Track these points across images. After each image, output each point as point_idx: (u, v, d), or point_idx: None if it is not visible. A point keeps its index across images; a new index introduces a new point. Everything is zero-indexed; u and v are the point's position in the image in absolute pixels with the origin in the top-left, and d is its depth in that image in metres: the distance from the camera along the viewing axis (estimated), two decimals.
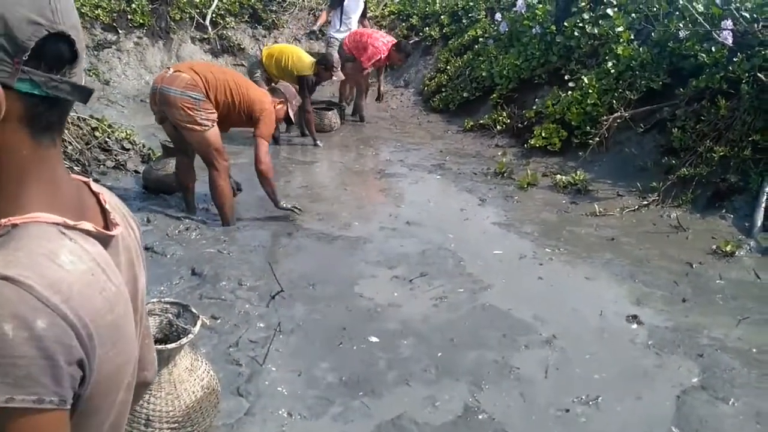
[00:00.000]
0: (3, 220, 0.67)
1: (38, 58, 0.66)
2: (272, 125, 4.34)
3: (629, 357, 2.92)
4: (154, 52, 8.26)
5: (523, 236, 4.31)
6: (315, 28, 8.22)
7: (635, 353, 2.95)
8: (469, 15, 9.44)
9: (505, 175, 5.55)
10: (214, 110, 4.05)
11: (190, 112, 3.91)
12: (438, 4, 10.44)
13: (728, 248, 3.95)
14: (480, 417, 2.49)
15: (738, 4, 5.28)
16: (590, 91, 5.86)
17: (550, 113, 6.19)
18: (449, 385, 2.68)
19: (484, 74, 7.56)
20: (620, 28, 6.11)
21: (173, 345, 2.03)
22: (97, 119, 5.34)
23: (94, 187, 0.83)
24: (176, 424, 2.08)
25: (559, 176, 5.32)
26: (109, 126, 5.36)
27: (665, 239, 4.24)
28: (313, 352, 2.87)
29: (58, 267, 0.65)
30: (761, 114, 4.70)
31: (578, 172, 5.27)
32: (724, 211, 4.53)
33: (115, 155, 5.11)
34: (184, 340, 2.06)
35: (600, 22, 6.45)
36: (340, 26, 7.63)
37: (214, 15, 8.98)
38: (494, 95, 7.27)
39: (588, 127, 5.74)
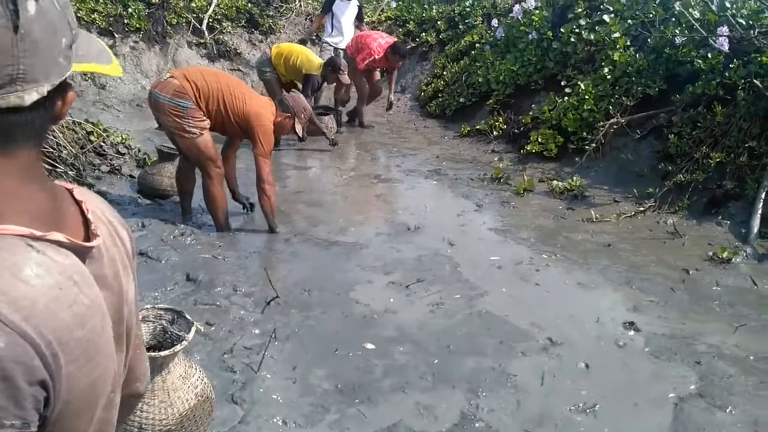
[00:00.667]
0: None
1: None
2: (270, 142, 4.12)
3: (626, 364, 2.90)
4: (151, 57, 8.25)
5: (520, 242, 4.30)
6: (310, 33, 8.15)
7: (632, 360, 2.93)
8: (466, 21, 9.46)
9: (501, 180, 5.55)
10: (205, 118, 3.97)
11: (177, 120, 3.88)
12: (435, 10, 10.47)
13: (725, 255, 3.95)
14: (477, 425, 2.46)
15: (734, 11, 5.30)
16: (587, 97, 5.87)
17: (547, 119, 6.20)
18: (446, 392, 2.66)
19: (480, 80, 7.56)
20: (617, 34, 6.12)
21: (167, 352, 2.01)
22: (93, 123, 5.32)
23: (78, 194, 0.80)
24: None
25: (555, 182, 5.32)
26: (105, 130, 5.34)
27: (662, 245, 4.23)
28: (308, 359, 2.85)
29: (21, 282, 0.62)
30: (757, 120, 4.71)
31: (575, 178, 5.27)
32: (720, 217, 4.53)
33: (110, 160, 5.09)
34: (177, 348, 2.04)
35: (596, 28, 6.47)
36: (332, 31, 7.62)
37: (210, 20, 8.98)
38: (491, 101, 7.28)
39: (584, 133, 5.74)
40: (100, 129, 5.26)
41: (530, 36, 7.17)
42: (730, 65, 4.93)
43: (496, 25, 8.01)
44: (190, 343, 2.13)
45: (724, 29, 5.05)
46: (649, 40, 5.79)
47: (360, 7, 7.81)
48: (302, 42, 7.79)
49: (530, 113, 6.60)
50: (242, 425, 2.40)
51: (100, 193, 4.60)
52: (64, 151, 4.54)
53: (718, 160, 4.69)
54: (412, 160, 6.36)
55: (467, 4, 9.96)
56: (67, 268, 0.68)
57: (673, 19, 5.75)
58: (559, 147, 5.97)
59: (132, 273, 0.88)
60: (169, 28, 8.54)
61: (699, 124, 4.98)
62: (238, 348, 2.89)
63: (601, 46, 6.31)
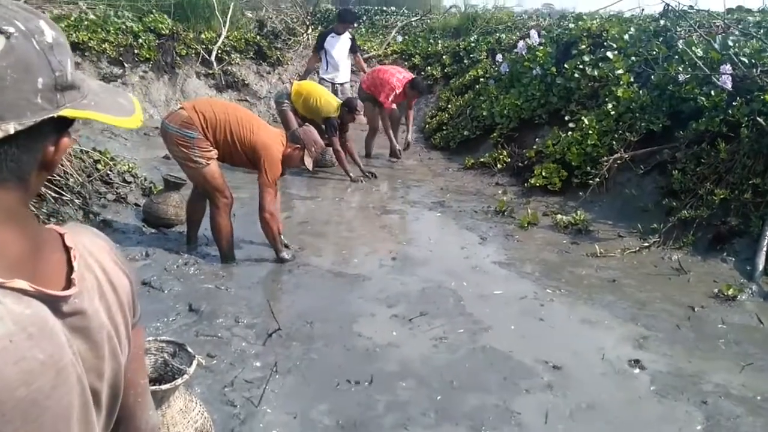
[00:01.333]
0: None
1: None
2: (276, 172, 4.11)
3: (632, 403, 2.87)
4: (159, 87, 8.36)
5: (524, 276, 4.29)
6: (305, 73, 8.05)
7: (638, 399, 2.89)
8: (471, 55, 9.60)
9: (505, 213, 5.55)
10: (212, 148, 4.03)
11: (185, 150, 3.95)
12: (440, 45, 10.63)
13: (730, 292, 3.92)
14: None
15: (736, 50, 5.36)
16: (590, 132, 5.91)
17: (551, 153, 6.23)
18: (448, 429, 2.62)
19: (484, 113, 7.63)
20: (620, 71, 6.19)
21: (167, 386, 1.99)
22: (100, 152, 5.37)
23: (69, 240, 0.77)
24: None
25: (559, 216, 5.32)
26: (112, 159, 5.38)
27: (667, 281, 4.21)
28: (309, 394, 2.82)
29: None
30: (761, 158, 4.72)
31: (579, 212, 5.27)
32: (725, 254, 4.51)
33: (117, 188, 5.12)
34: (178, 381, 2.02)
35: (600, 64, 6.54)
36: (327, 68, 7.62)
37: (219, 51, 9.12)
38: (495, 134, 7.34)
39: (588, 168, 5.76)
40: (107, 158, 5.30)
41: (534, 71, 7.26)
42: (733, 103, 4.96)
43: (500, 60, 8.12)
44: (191, 377, 2.12)
45: (727, 67, 5.11)
46: (652, 77, 5.86)
47: (353, 39, 7.83)
48: (301, 80, 7.84)
49: (534, 147, 6.63)
50: None
51: (105, 221, 4.62)
52: (71, 179, 4.57)
53: (722, 196, 4.69)
54: (417, 192, 6.38)
55: (472, 39, 10.14)
56: (24, 319, 0.64)
57: (676, 57, 5.81)
58: (563, 181, 5.99)
59: (126, 325, 0.84)
60: (178, 58, 8.67)
61: (703, 161, 5.00)
62: (239, 381, 2.87)
63: (604, 82, 6.38)
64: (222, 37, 9.25)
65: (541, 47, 7.44)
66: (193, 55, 8.88)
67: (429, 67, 10.14)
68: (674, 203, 4.98)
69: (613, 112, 5.93)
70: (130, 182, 5.33)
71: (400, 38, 11.85)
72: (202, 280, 3.96)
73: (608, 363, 3.18)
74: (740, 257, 4.44)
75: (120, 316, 0.82)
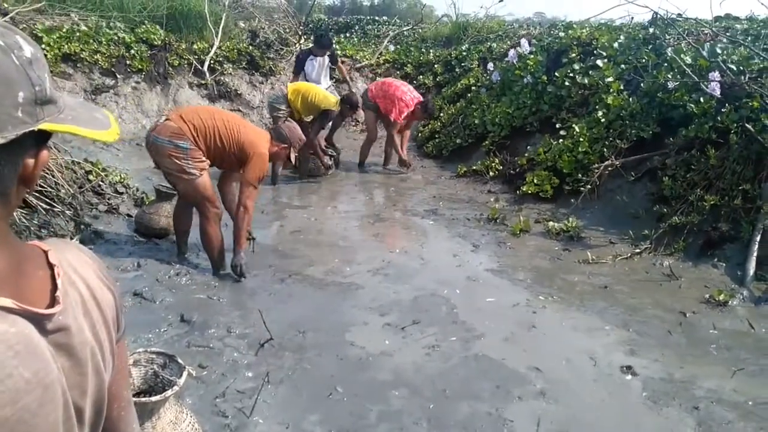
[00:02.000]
0: None
1: None
2: (262, 170, 4.16)
3: (624, 409, 2.87)
4: (152, 97, 8.36)
5: (516, 283, 4.29)
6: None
7: (630, 405, 2.90)
8: (462, 64, 9.65)
9: (497, 221, 5.57)
10: (204, 158, 4.04)
11: (177, 161, 3.93)
12: (432, 54, 10.69)
13: (721, 297, 3.94)
14: None
15: (725, 57, 5.41)
16: (581, 139, 5.94)
17: (542, 160, 6.26)
18: None
19: (476, 122, 7.67)
20: (610, 79, 6.24)
21: (157, 398, 1.98)
22: (92, 163, 5.36)
23: (53, 258, 0.78)
24: None
25: (551, 223, 5.34)
26: (103, 170, 5.37)
27: (658, 288, 4.22)
28: (301, 404, 2.81)
29: None
30: (750, 163, 4.76)
31: (570, 219, 5.29)
32: (716, 259, 4.54)
33: (108, 199, 5.11)
34: (168, 393, 2.01)
35: (590, 72, 6.59)
36: None
37: (212, 61, 9.13)
38: (487, 142, 7.37)
39: (579, 175, 5.79)
40: (98, 168, 5.29)
41: (525, 79, 7.30)
42: (722, 110, 5.01)
43: (491, 69, 8.17)
44: (181, 388, 2.11)
45: (716, 74, 5.16)
46: (642, 84, 5.90)
47: (331, 55, 7.92)
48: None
49: (526, 155, 6.67)
50: None
51: (96, 232, 4.61)
52: (62, 191, 4.56)
53: (712, 202, 4.72)
54: (409, 200, 6.39)
55: (463, 48, 10.20)
56: (9, 337, 0.64)
57: (666, 65, 5.86)
58: (554, 188, 6.02)
59: (110, 341, 0.84)
60: (170, 69, 8.67)
61: (693, 167, 5.04)
62: (231, 392, 2.86)
63: (594, 90, 6.43)
64: (214, 47, 9.26)
65: (532, 56, 7.49)
66: (185, 65, 8.88)
67: (421, 76, 10.18)
68: (665, 209, 5.01)
69: (603, 120, 5.97)
70: (122, 193, 5.32)
71: (392, 47, 11.91)
72: (194, 291, 3.95)
73: (600, 369, 3.18)
74: (731, 263, 4.46)
75: (104, 332, 0.82)
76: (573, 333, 3.60)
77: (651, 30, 6.78)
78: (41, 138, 0.74)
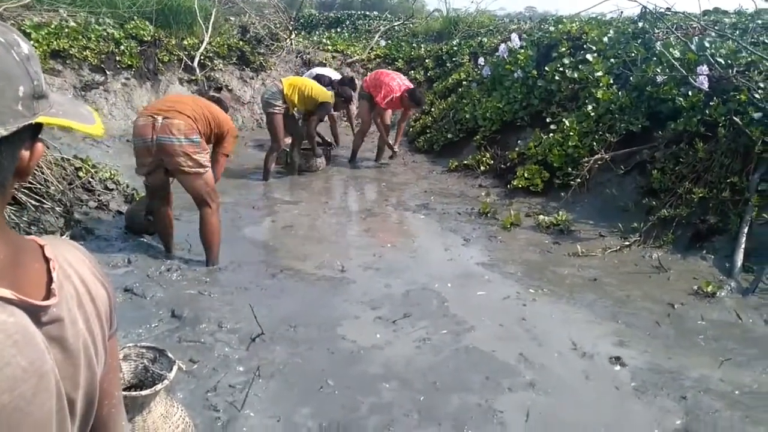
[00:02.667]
0: None
1: None
2: (235, 141, 4.51)
3: (612, 399, 2.90)
4: (142, 93, 8.33)
5: (507, 276, 4.32)
6: None
7: (618, 395, 2.92)
8: (453, 59, 9.67)
9: (488, 215, 5.59)
10: (207, 148, 4.12)
11: (194, 157, 3.95)
12: (423, 49, 10.69)
13: (709, 289, 3.98)
14: None
15: (713, 51, 5.45)
16: (571, 133, 5.97)
17: (532, 155, 6.29)
18: (432, 430, 2.63)
19: (467, 116, 7.69)
20: (599, 73, 6.27)
21: (148, 392, 1.99)
22: (82, 159, 5.33)
23: (49, 252, 0.79)
24: None
25: (541, 217, 5.36)
26: (93, 166, 5.35)
27: (647, 280, 4.26)
28: (293, 397, 2.82)
29: None
30: (738, 156, 4.80)
31: (560, 213, 5.32)
32: (704, 251, 4.58)
33: (98, 195, 5.09)
34: (158, 387, 2.02)
35: (580, 66, 6.62)
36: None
37: (202, 57, 9.10)
38: (478, 137, 7.39)
39: (569, 169, 5.82)
40: (88, 165, 5.27)
41: (516, 74, 7.32)
42: (710, 103, 5.04)
43: (482, 64, 8.18)
44: (172, 382, 2.12)
45: (704, 68, 5.19)
46: (631, 78, 5.93)
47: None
48: None
49: (516, 149, 6.69)
50: None
51: (87, 229, 4.59)
52: (52, 187, 4.54)
53: (701, 195, 4.76)
54: (401, 195, 6.41)
55: (454, 43, 10.21)
56: (8, 326, 0.66)
57: (654, 59, 5.90)
58: (545, 182, 6.05)
59: (103, 335, 0.85)
60: (160, 65, 8.64)
61: (681, 160, 5.07)
62: (222, 386, 2.86)
63: (584, 84, 6.45)
64: (204, 43, 9.24)
65: (522, 50, 7.51)
66: (175, 61, 8.85)
67: (412, 71, 10.19)
68: (654, 202, 5.04)
69: (593, 114, 6.00)
70: (112, 189, 5.30)
71: (383, 43, 11.91)
72: (184, 286, 3.95)
73: (589, 360, 3.21)
74: (719, 254, 4.50)
75: (97, 327, 0.83)
76: (562, 325, 3.62)
77: (640, 24, 6.81)
78: (35, 131, 0.76)
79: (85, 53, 7.84)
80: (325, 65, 10.10)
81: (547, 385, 2.97)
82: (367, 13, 15.16)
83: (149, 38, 8.69)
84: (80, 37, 7.99)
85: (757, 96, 4.73)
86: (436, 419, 2.70)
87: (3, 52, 0.70)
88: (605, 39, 6.72)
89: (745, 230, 4.40)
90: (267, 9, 13.04)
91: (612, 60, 6.40)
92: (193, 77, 8.92)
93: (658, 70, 5.62)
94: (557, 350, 3.31)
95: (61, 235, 4.23)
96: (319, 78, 7.49)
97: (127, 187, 5.47)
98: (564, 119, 6.23)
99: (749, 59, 5.25)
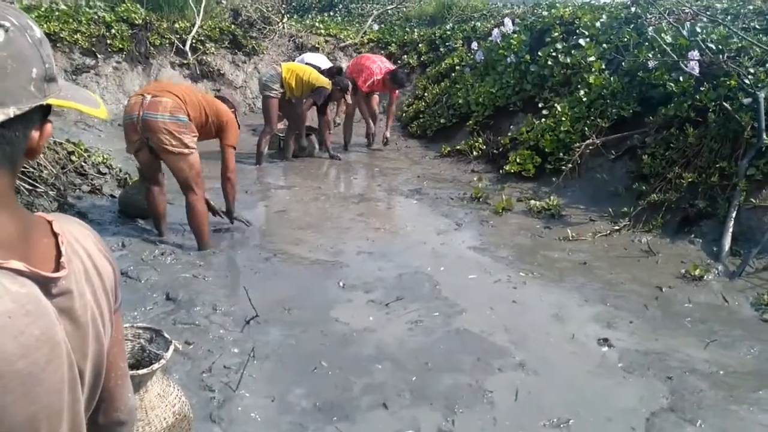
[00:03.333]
0: None
1: None
2: (237, 134, 4.43)
3: (600, 380, 2.96)
4: (133, 77, 8.28)
5: (498, 260, 4.37)
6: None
7: (606, 376, 2.99)
8: (447, 44, 9.64)
9: (480, 200, 5.63)
10: (196, 131, 4.08)
11: (179, 136, 3.93)
12: (416, 33, 10.65)
13: (697, 272, 4.04)
14: None
15: (704, 36, 5.47)
16: (563, 118, 6.00)
17: (525, 140, 6.32)
18: (423, 409, 2.69)
19: (460, 101, 7.70)
20: (592, 58, 6.29)
21: (145, 371, 2.03)
22: (74, 143, 5.33)
23: (56, 227, 0.82)
24: None
25: (533, 201, 5.41)
26: (86, 150, 5.35)
27: (636, 263, 4.32)
28: (287, 378, 2.87)
29: None
30: (727, 142, 4.84)
31: (552, 198, 5.37)
32: (693, 235, 4.64)
33: (91, 179, 5.10)
34: (155, 366, 2.06)
35: (572, 51, 6.63)
36: None
37: (194, 41, 9.05)
38: (470, 122, 7.41)
39: (561, 154, 5.86)
40: (81, 149, 5.27)
41: (509, 59, 7.33)
42: (701, 88, 5.08)
43: (475, 48, 8.17)
44: (168, 362, 2.16)
45: (695, 54, 5.22)
46: (623, 63, 5.96)
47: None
48: None
49: (509, 134, 6.72)
50: None
51: (80, 213, 4.61)
52: (45, 171, 4.55)
53: (690, 180, 4.81)
54: (394, 180, 6.44)
55: (448, 27, 10.18)
56: (21, 297, 0.69)
57: (646, 44, 5.91)
58: (536, 167, 6.09)
59: (109, 308, 0.88)
60: (152, 48, 8.59)
61: (672, 145, 5.12)
62: (217, 367, 2.91)
63: (576, 70, 6.47)
64: (196, 26, 9.17)
65: (516, 35, 7.51)
66: (167, 44, 8.80)
67: (405, 56, 10.17)
68: (644, 187, 5.09)
69: (585, 99, 6.02)
70: (105, 173, 5.31)
71: (376, 27, 11.86)
72: (179, 270, 3.97)
73: (578, 342, 3.27)
74: (707, 239, 4.56)
75: (104, 300, 0.87)
76: (552, 307, 3.68)
77: (632, 9, 6.82)
78: (45, 113, 0.79)
79: (75, 37, 7.79)
80: (317, 49, 10.06)
81: (536, 365, 3.03)
82: None
83: (140, 21, 8.62)
84: (71, 20, 7.93)
85: (746, 81, 4.77)
86: (427, 399, 2.76)
87: (18, 34, 0.72)
88: (598, 24, 6.73)
89: (733, 215, 4.46)
90: None
91: (604, 45, 6.41)
92: (185, 61, 8.87)
93: (650, 56, 5.65)
94: (546, 332, 3.37)
95: None
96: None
97: (120, 171, 5.47)
98: (556, 104, 6.26)
99: (740, 45, 5.28)
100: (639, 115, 5.66)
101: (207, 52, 9.17)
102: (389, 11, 13.41)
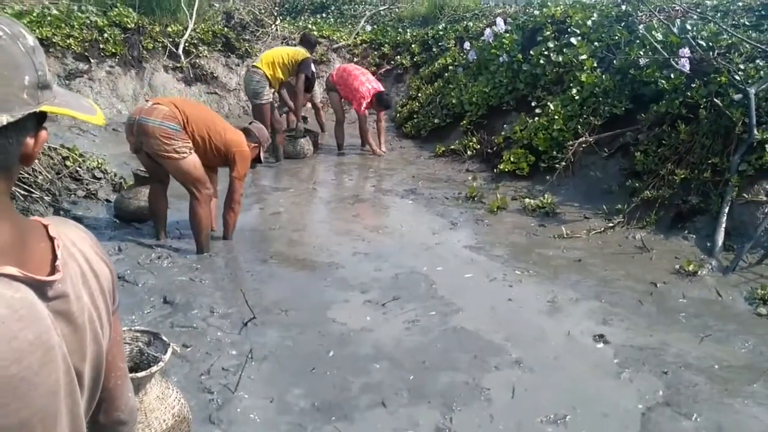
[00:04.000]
0: None
1: None
2: (248, 165, 4.41)
3: (596, 375, 2.99)
4: (127, 81, 8.27)
5: (494, 259, 4.39)
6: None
7: (601, 372, 3.02)
8: (439, 44, 9.67)
9: (475, 199, 5.66)
10: (190, 141, 4.09)
11: (168, 141, 3.95)
12: (409, 34, 10.68)
13: (691, 268, 4.07)
14: None
15: (694, 33, 5.51)
16: (556, 117, 6.03)
17: (518, 138, 6.35)
18: (421, 407, 2.71)
19: (454, 101, 7.72)
20: (584, 56, 6.32)
21: (143, 373, 2.04)
22: (68, 148, 5.33)
23: (53, 231, 0.83)
24: None
25: (527, 200, 5.44)
26: (80, 155, 5.35)
27: (630, 260, 4.35)
28: (285, 379, 2.88)
29: None
30: (719, 138, 4.88)
31: (546, 196, 5.40)
32: (686, 231, 4.67)
33: (86, 184, 5.09)
34: (154, 368, 2.07)
35: (564, 50, 6.66)
36: None
37: (187, 44, 9.04)
38: (464, 121, 7.43)
39: (555, 152, 5.89)
40: (75, 154, 5.27)
41: (501, 58, 7.36)
42: (692, 85, 5.12)
43: (468, 48, 8.20)
44: (166, 365, 2.17)
45: (686, 51, 5.26)
46: (614, 61, 5.99)
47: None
48: None
49: (502, 133, 6.75)
50: None
51: (76, 218, 4.60)
52: (40, 177, 4.55)
53: (682, 176, 4.85)
54: (389, 180, 6.45)
55: (440, 27, 10.21)
56: (15, 302, 0.69)
57: (638, 42, 5.95)
58: (530, 166, 6.12)
59: (107, 310, 0.89)
60: (145, 52, 8.58)
61: (664, 142, 5.15)
62: (216, 369, 2.92)
63: (569, 68, 6.50)
64: (189, 29, 9.16)
65: (508, 34, 7.53)
66: (160, 48, 8.79)
67: (398, 56, 10.19)
68: (637, 184, 5.13)
69: (577, 97, 6.06)
70: (100, 178, 5.30)
71: (369, 28, 11.87)
72: (175, 273, 3.98)
73: (573, 338, 3.30)
74: (701, 234, 4.60)
75: (101, 302, 0.88)
76: (548, 305, 3.71)
77: (623, 7, 6.85)
78: (39, 120, 0.80)
79: (68, 41, 7.77)
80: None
81: (533, 362, 3.06)
82: None
83: (133, 26, 8.61)
84: (63, 25, 7.91)
85: (737, 78, 4.81)
86: (425, 397, 2.78)
87: (9, 42, 0.73)
88: (589, 22, 6.76)
89: (726, 210, 4.50)
90: None
91: (596, 43, 6.45)
92: (178, 64, 8.86)
93: (641, 53, 5.68)
94: (542, 329, 3.40)
95: None
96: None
97: (115, 175, 5.47)
98: (549, 103, 6.29)
99: (730, 41, 5.32)
100: (631, 112, 5.70)
101: (200, 55, 9.17)
102: (382, 12, 13.42)
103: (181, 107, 4.11)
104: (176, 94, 8.46)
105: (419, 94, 8.63)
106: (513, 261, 4.34)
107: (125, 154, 6.30)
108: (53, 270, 0.79)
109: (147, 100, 4.15)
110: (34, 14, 7.79)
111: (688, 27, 5.65)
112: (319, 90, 8.26)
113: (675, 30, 5.61)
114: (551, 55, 6.74)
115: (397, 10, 13.40)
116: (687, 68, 5.19)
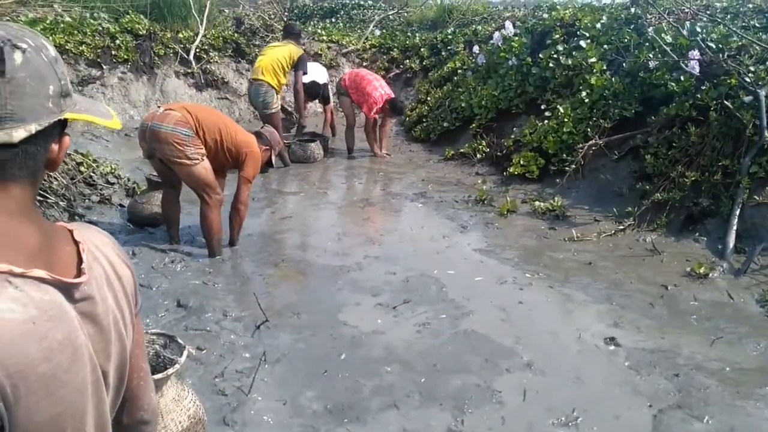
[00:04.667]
0: None
1: None
2: (258, 167, 4.43)
3: (607, 378, 2.99)
4: (139, 87, 8.35)
5: (504, 262, 4.40)
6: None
7: (613, 374, 3.02)
8: (448, 48, 9.69)
9: (485, 202, 5.67)
10: (203, 147, 4.14)
11: (180, 147, 3.99)
12: (418, 38, 10.71)
13: (702, 270, 4.07)
14: None
15: (704, 36, 5.51)
16: (566, 120, 6.04)
17: (528, 142, 6.35)
18: (433, 410, 2.73)
19: (463, 105, 7.74)
20: (593, 59, 6.32)
21: (159, 375, 2.07)
22: (82, 154, 5.40)
23: (77, 235, 0.87)
24: None
25: (537, 203, 5.45)
26: (94, 161, 5.42)
27: (641, 262, 4.35)
28: (298, 381, 2.91)
29: None
30: (730, 140, 4.87)
31: (556, 199, 5.40)
32: (697, 234, 4.67)
33: (100, 189, 5.16)
34: (170, 371, 2.10)
35: (573, 53, 6.67)
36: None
37: (197, 50, 9.12)
38: (474, 125, 7.45)
39: (564, 155, 5.90)
40: (89, 160, 5.34)
41: (510, 62, 7.37)
42: (702, 87, 5.11)
43: (477, 52, 8.22)
44: (182, 367, 2.20)
45: (695, 53, 5.25)
46: (624, 64, 5.99)
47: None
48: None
49: (512, 136, 6.76)
50: None
51: (90, 223, 4.65)
52: (55, 182, 4.61)
53: (693, 178, 4.84)
54: (399, 184, 6.48)
55: (449, 31, 10.24)
56: (44, 303, 0.73)
57: (647, 44, 5.95)
58: (540, 169, 6.13)
59: (130, 312, 0.93)
60: (156, 58, 8.66)
61: (674, 145, 5.15)
62: (229, 371, 2.95)
63: (578, 71, 6.51)
64: (200, 35, 9.25)
65: (517, 38, 7.55)
66: (171, 54, 8.87)
67: (407, 60, 10.22)
68: (648, 187, 5.12)
69: (587, 100, 6.06)
70: (113, 183, 5.37)
71: (378, 32, 11.92)
72: (189, 277, 4.03)
73: (584, 341, 3.31)
74: (712, 237, 4.59)
75: (125, 304, 0.92)
76: (558, 308, 3.72)
77: (632, 10, 6.86)
78: (62, 126, 0.85)
79: (81, 48, 7.86)
80: (320, 55, 10.13)
81: (544, 365, 3.07)
82: (362, 2, 15.11)
83: (144, 32, 8.69)
84: (76, 32, 8.01)
85: (747, 80, 4.80)
86: (436, 400, 2.80)
87: (35, 54, 0.78)
88: (598, 25, 6.77)
89: (737, 212, 4.49)
90: (261, 0, 13.03)
91: (605, 46, 6.45)
92: (189, 70, 8.94)
93: (651, 56, 5.68)
94: (553, 332, 3.41)
95: None
96: (313, 86, 7.54)
97: (128, 180, 5.54)
98: (558, 106, 6.30)
99: (740, 43, 5.31)
100: (641, 115, 5.70)
101: (211, 60, 9.24)
102: (390, 17, 13.47)
103: (193, 111, 4.16)
104: (187, 99, 8.53)
105: (428, 98, 8.66)
106: (523, 264, 4.35)
107: (138, 159, 6.37)
108: (79, 273, 0.82)
109: (159, 106, 4.26)
110: (48, 21, 7.89)
111: (698, 29, 5.65)
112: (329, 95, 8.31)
113: (684, 32, 5.61)
114: (560, 58, 6.75)
115: (406, 14, 13.44)
116: (697, 70, 5.18)
